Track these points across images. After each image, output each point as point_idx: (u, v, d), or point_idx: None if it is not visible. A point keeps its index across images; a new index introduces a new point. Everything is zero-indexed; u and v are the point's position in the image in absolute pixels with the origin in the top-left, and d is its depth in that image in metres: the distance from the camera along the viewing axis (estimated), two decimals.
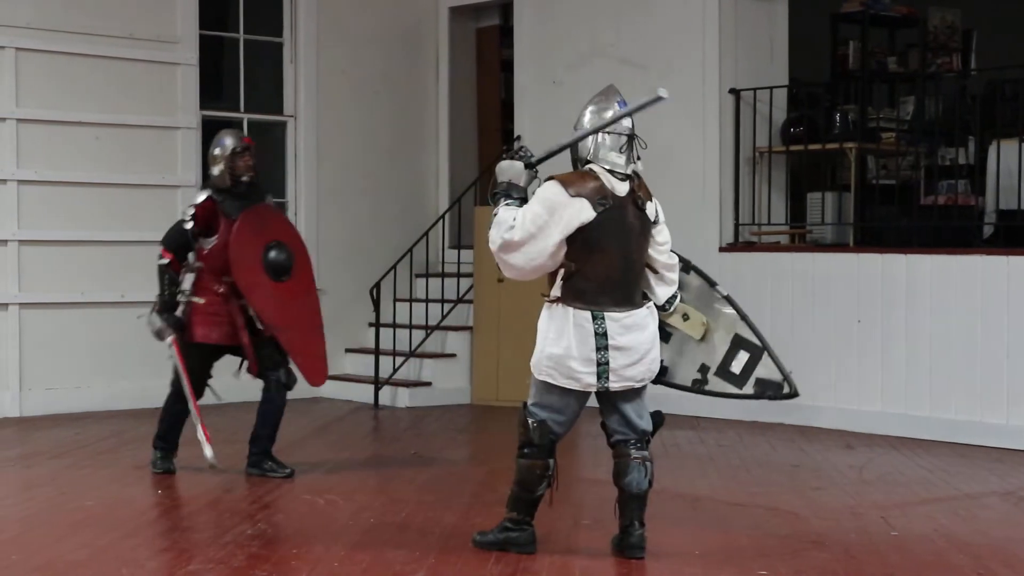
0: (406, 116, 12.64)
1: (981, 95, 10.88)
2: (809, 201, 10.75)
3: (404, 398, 11.33)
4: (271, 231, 7.88)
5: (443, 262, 12.55)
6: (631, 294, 5.96)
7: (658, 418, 6.10)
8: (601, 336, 5.82)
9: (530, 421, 5.92)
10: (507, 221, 5.82)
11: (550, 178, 5.90)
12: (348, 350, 12.16)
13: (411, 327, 11.61)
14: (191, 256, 7.84)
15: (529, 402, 5.97)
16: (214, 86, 11.92)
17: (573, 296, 5.86)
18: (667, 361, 6.38)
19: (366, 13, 12.37)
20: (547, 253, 5.82)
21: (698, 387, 6.51)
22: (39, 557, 5.98)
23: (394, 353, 11.52)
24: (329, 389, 11.73)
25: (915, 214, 10.37)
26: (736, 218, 10.65)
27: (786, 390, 6.37)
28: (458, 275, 11.92)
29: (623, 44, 11.16)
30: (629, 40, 11.12)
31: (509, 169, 5.99)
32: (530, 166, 5.99)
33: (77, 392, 10.70)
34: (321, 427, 10.20)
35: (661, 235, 6.16)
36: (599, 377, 5.84)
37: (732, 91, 10.60)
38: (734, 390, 6.46)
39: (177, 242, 7.78)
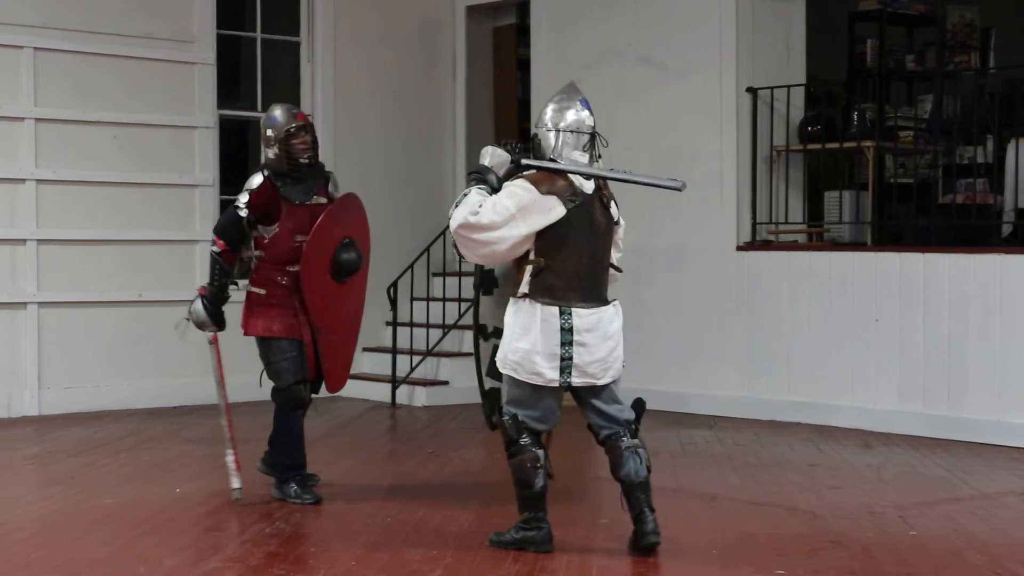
0: (423, 115, 12.65)
1: (999, 93, 10.86)
2: (827, 200, 10.73)
3: (421, 397, 11.33)
4: (349, 227, 7.29)
5: (460, 261, 12.51)
6: (598, 290, 6.04)
7: (639, 406, 6.14)
8: (567, 332, 5.88)
9: (504, 419, 6.00)
10: (474, 204, 5.92)
11: (520, 176, 5.98)
12: (365, 349, 12.16)
13: (428, 326, 11.62)
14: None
15: (503, 401, 6.05)
16: (231, 85, 11.95)
17: (541, 292, 5.92)
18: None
19: (383, 12, 12.38)
20: (508, 244, 5.92)
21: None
22: (58, 555, 6.00)
23: (411, 352, 11.53)
24: (346, 388, 11.55)
25: (933, 213, 10.34)
26: (753, 217, 10.64)
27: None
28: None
29: (640, 43, 11.14)
30: (646, 39, 11.11)
31: (494, 155, 6.09)
32: (515, 163, 6.04)
33: (95, 391, 10.73)
34: (338, 426, 10.21)
35: (619, 235, 6.24)
36: (561, 372, 5.89)
37: (749, 90, 10.58)
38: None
39: (231, 232, 7.05)
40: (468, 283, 11.95)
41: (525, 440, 5.98)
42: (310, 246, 7.05)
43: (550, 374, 5.91)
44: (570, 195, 5.93)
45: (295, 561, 5.90)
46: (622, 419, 6.06)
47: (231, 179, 11.03)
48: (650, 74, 11.04)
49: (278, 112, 7.20)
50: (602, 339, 5.96)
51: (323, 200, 7.28)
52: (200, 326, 7.13)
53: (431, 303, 11.83)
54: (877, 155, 10.51)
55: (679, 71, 10.85)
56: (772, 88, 10.58)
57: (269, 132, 7.15)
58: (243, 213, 7.06)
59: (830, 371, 9.99)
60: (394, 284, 11.67)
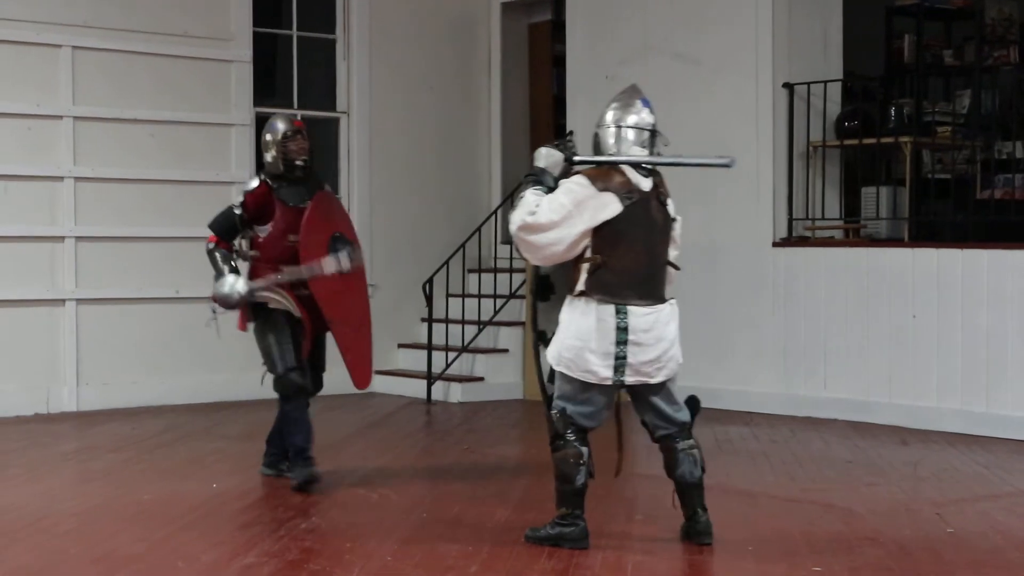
0: (458, 112, 12.67)
1: None
2: (864, 196, 10.68)
3: (456, 393, 11.35)
4: (336, 222, 7.60)
5: (495, 257, 12.55)
6: (655, 288, 6.02)
7: (693, 404, 6.15)
8: (622, 331, 5.88)
9: (552, 412, 6.02)
10: (531, 204, 5.91)
11: (578, 172, 5.98)
12: (401, 345, 12.20)
13: (463, 322, 11.64)
14: (244, 244, 7.55)
15: (555, 395, 6.05)
16: (268, 83, 11.99)
17: (598, 290, 5.90)
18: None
19: (418, 9, 12.40)
20: (567, 243, 5.89)
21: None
22: (97, 550, 6.04)
23: (446, 348, 11.55)
24: (382, 384, 11.82)
25: (971, 208, 10.28)
26: (790, 213, 10.60)
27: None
28: (510, 270, 11.92)
29: (676, 39, 11.11)
30: (682, 35, 11.08)
31: (548, 156, 6.11)
32: (570, 161, 6.06)
33: (133, 387, 10.80)
34: (374, 422, 10.23)
35: (676, 232, 6.23)
36: (615, 371, 5.89)
37: (786, 85, 10.55)
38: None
39: (223, 225, 7.46)
40: (503, 280, 11.98)
41: (571, 436, 5.98)
42: (304, 240, 7.35)
43: (603, 372, 5.90)
44: (627, 192, 5.92)
45: (331, 556, 5.92)
46: (679, 420, 6.07)
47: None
48: (686, 70, 11.01)
49: (278, 118, 7.69)
50: (657, 339, 5.95)
51: None
52: (231, 294, 7.32)
53: (466, 299, 11.85)
54: (914, 151, 10.44)
55: (715, 67, 10.82)
56: (809, 84, 10.54)
57: (268, 136, 7.57)
58: (237, 210, 7.47)
59: (867, 367, 9.94)
60: (429, 280, 11.69)
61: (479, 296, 11.84)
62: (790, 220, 10.60)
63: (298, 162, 7.48)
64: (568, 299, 6.01)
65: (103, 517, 6.75)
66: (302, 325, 7.40)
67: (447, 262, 11.83)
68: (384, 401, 11.36)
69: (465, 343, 11.52)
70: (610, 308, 5.88)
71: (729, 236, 10.74)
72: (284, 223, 7.42)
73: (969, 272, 9.45)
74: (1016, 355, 9.20)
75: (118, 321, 10.75)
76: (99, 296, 10.70)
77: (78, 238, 10.62)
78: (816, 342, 10.23)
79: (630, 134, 6.05)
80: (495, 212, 12.35)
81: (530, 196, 5.95)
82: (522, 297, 11.65)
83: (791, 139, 10.60)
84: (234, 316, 7.57)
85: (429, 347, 11.55)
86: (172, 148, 11.04)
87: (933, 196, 10.62)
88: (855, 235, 10.55)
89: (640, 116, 6.09)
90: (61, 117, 10.57)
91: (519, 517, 6.60)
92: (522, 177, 6.15)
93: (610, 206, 5.89)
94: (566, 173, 6.05)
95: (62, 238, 10.57)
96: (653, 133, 6.09)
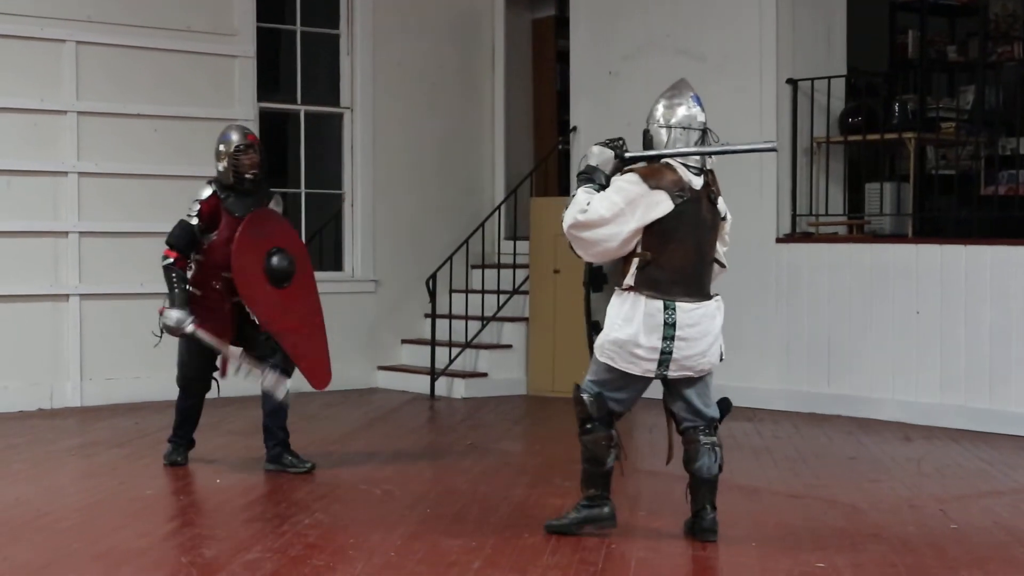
0: (462, 107, 12.66)
1: None
2: (867, 192, 10.67)
3: (460, 389, 11.35)
4: (273, 237, 7.74)
5: (499, 253, 12.55)
6: (702, 285, 6.09)
7: (725, 406, 6.22)
8: (670, 326, 5.92)
9: (586, 396, 6.05)
10: (582, 203, 5.94)
11: (630, 170, 6.00)
12: (404, 341, 12.21)
13: (467, 318, 11.64)
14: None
15: (587, 378, 6.09)
16: (271, 78, 12.00)
17: (647, 285, 5.94)
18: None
19: (422, 4, 12.40)
20: (619, 239, 5.92)
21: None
22: (100, 545, 6.04)
23: (450, 344, 11.55)
24: (385, 380, 11.83)
25: (975, 205, 10.27)
26: (794, 209, 10.59)
27: None
28: (514, 266, 11.92)
29: (679, 35, 11.11)
30: (685, 31, 11.07)
31: (600, 155, 6.11)
32: (621, 159, 6.08)
33: (136, 382, 10.80)
34: (377, 418, 10.24)
35: (726, 230, 6.31)
36: (660, 364, 5.95)
37: (790, 81, 10.54)
38: None
39: (182, 239, 7.63)
40: (506, 275, 11.98)
41: (603, 419, 6.06)
42: (233, 259, 7.52)
43: (648, 366, 5.95)
44: (678, 190, 5.95)
45: (334, 552, 5.92)
46: (707, 415, 6.12)
47: (271, 172, 11.04)
48: (689, 66, 10.96)
49: (232, 130, 7.85)
50: (702, 334, 6.02)
51: None
52: (177, 328, 7.59)
53: (469, 295, 11.85)
54: (918, 147, 10.44)
55: (719, 63, 10.80)
56: (812, 79, 10.53)
57: (221, 147, 7.74)
58: (194, 221, 7.63)
59: (870, 364, 9.94)
60: (433, 276, 11.69)
61: (482, 292, 11.84)
62: (794, 216, 10.59)
63: (248, 175, 7.70)
64: (616, 292, 6.04)
65: (106, 512, 6.75)
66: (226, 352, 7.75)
67: (450, 258, 11.82)
68: (387, 397, 11.36)
69: (468, 339, 11.52)
70: (658, 303, 5.92)
71: (733, 232, 10.62)
72: (228, 232, 7.59)
73: (973, 268, 9.45)
74: (1020, 351, 9.19)
75: (122, 316, 10.74)
76: (102, 291, 10.70)
77: (81, 233, 10.62)
78: (819, 338, 10.23)
79: (680, 134, 6.04)
80: (498, 208, 12.35)
81: (581, 194, 5.98)
82: (525, 293, 11.65)
83: (795, 135, 10.59)
84: None
85: (432, 343, 11.55)
86: (175, 143, 11.03)
87: (937, 192, 10.61)
88: (859, 231, 10.53)
89: (690, 113, 6.07)
90: (65, 112, 10.57)
91: (522, 513, 6.60)
92: (575, 176, 6.19)
93: (662, 204, 5.92)
94: (617, 170, 6.08)
95: (65, 233, 10.57)
96: (704, 132, 6.08)
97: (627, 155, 6.08)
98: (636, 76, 11.18)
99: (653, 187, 5.91)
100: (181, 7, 11.08)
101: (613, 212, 5.89)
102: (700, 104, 6.11)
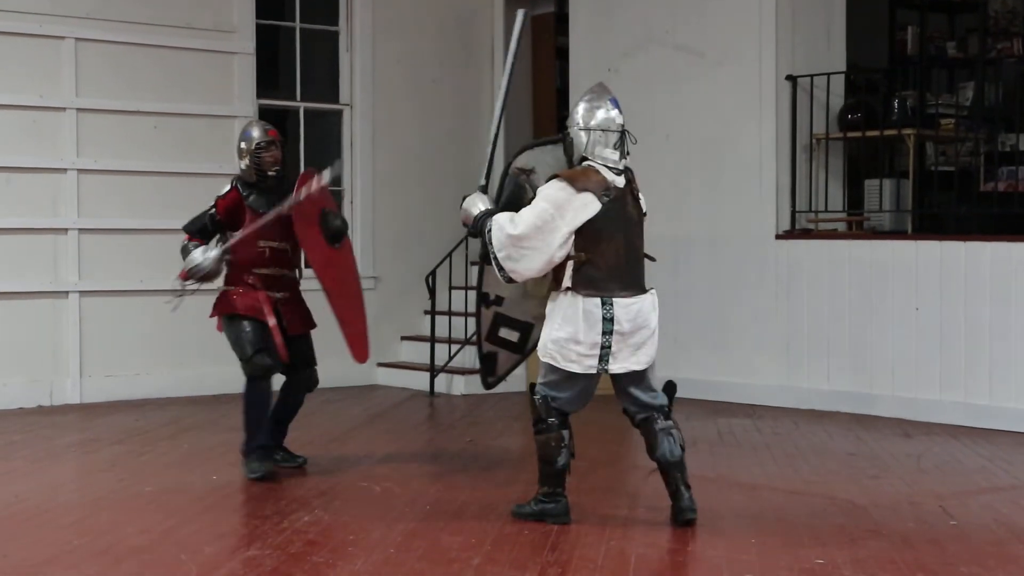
0: (461, 104, 12.65)
1: None
2: (867, 188, 10.67)
3: (459, 385, 11.36)
4: (318, 202, 7.66)
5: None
6: (637, 278, 6.30)
7: (671, 388, 6.44)
8: (608, 321, 6.14)
9: (536, 398, 6.30)
10: (504, 223, 6.19)
11: (555, 176, 6.22)
12: (404, 337, 12.21)
13: (466, 315, 11.62)
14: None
15: (538, 381, 6.33)
16: (271, 75, 11.99)
17: (584, 284, 6.16)
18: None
19: (421, 1, 12.39)
20: (555, 245, 6.13)
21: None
22: (100, 542, 6.05)
23: (449, 340, 11.55)
24: (385, 377, 11.83)
25: (975, 201, 10.27)
26: (793, 205, 10.59)
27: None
28: None
29: (679, 31, 11.10)
30: (685, 27, 11.07)
31: (473, 201, 6.46)
32: (483, 188, 6.54)
33: (137, 379, 10.81)
34: (377, 414, 10.24)
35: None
36: (600, 360, 6.16)
37: (789, 77, 10.54)
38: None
39: (196, 224, 7.69)
40: None
41: (552, 420, 6.27)
42: (296, 212, 7.40)
43: (589, 362, 6.16)
44: (604, 190, 6.17)
45: (334, 549, 5.93)
46: (656, 405, 6.33)
47: None
48: (689, 62, 11.01)
49: (253, 127, 7.82)
50: (639, 327, 6.20)
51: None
52: (199, 266, 7.48)
53: (469, 292, 11.83)
54: (918, 143, 10.44)
55: (718, 59, 10.81)
56: (812, 76, 10.52)
57: (242, 145, 7.73)
58: (212, 211, 7.68)
59: (870, 360, 9.94)
60: (432, 273, 11.69)
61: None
62: (793, 212, 10.59)
63: (270, 172, 7.67)
64: (553, 294, 6.28)
65: (106, 509, 6.76)
66: (273, 329, 7.53)
67: (450, 255, 11.82)
68: (387, 393, 11.37)
69: (468, 335, 11.52)
70: (596, 300, 6.14)
71: (732, 228, 10.74)
72: (253, 230, 7.55)
73: (972, 265, 9.45)
74: (1019, 347, 9.20)
75: (121, 313, 10.75)
76: (102, 288, 10.70)
77: (81, 230, 10.62)
78: (819, 335, 10.23)
79: (599, 136, 6.26)
80: (498, 204, 12.30)
81: (497, 219, 6.24)
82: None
83: (794, 131, 10.59)
84: (206, 305, 7.69)
85: (432, 340, 11.55)
86: (175, 140, 11.03)
87: (936, 188, 10.61)
88: (858, 227, 10.54)
89: (609, 116, 6.28)
90: (64, 109, 10.57)
91: None
92: (469, 232, 6.48)
93: (590, 205, 6.15)
94: (488, 198, 6.47)
95: (65, 230, 10.57)
96: (622, 134, 6.30)
97: (482, 182, 6.55)
98: (636, 73, 11.18)
99: (580, 190, 6.13)
100: (181, 4, 11.08)
101: (544, 219, 6.11)
102: (618, 107, 6.34)
